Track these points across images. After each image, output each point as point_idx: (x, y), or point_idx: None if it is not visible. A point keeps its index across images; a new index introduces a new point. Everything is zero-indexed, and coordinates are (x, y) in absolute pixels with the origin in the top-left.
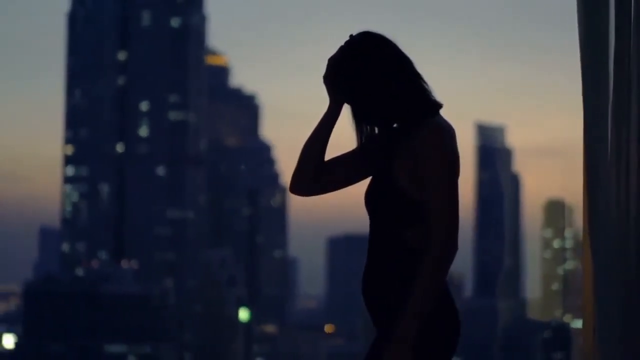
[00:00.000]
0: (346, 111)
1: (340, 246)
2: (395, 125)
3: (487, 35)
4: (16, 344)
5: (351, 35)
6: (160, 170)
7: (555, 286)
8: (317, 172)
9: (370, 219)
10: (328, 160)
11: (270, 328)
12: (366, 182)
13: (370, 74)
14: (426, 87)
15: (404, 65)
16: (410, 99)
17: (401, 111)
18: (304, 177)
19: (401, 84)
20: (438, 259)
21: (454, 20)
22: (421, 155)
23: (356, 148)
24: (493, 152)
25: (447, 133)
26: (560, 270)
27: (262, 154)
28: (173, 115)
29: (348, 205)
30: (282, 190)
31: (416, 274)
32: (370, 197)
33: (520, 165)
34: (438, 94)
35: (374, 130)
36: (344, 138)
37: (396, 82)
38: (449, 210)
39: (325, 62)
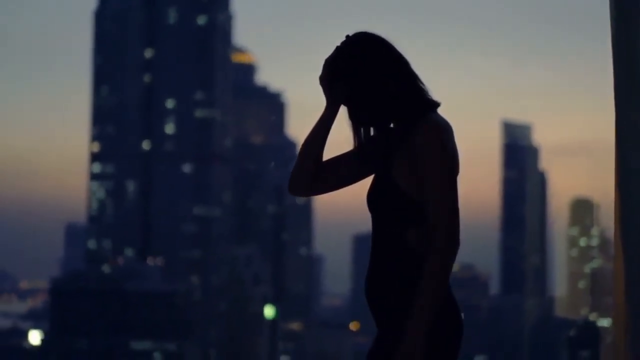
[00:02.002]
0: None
1: (365, 244)
2: (392, 125)
3: (514, 34)
4: (43, 340)
5: (347, 36)
6: (186, 168)
7: (581, 284)
8: (316, 173)
9: (373, 218)
10: (327, 160)
11: (295, 325)
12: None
13: (367, 73)
14: (423, 86)
15: (400, 65)
16: (407, 98)
17: (398, 111)
18: (303, 178)
19: (397, 84)
20: (441, 259)
21: (480, 20)
22: (419, 154)
23: (355, 148)
24: (519, 150)
25: (444, 130)
26: (586, 269)
27: (288, 151)
28: (199, 113)
29: None
30: None
31: (421, 275)
32: (372, 197)
33: (547, 163)
34: (465, 93)
35: (370, 130)
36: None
37: (392, 81)
38: (448, 208)
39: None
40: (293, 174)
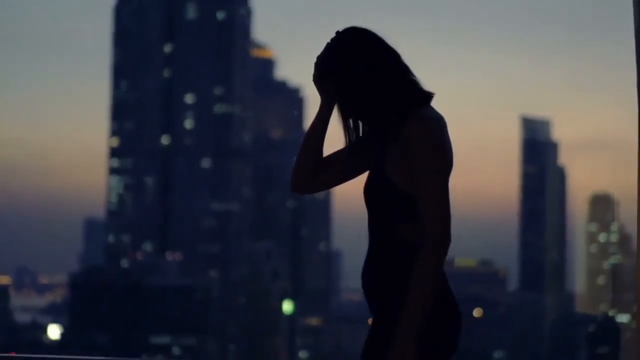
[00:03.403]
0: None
1: None
2: (386, 119)
3: (534, 30)
4: (62, 334)
5: (337, 32)
6: (205, 163)
7: (600, 280)
8: (316, 170)
9: (368, 212)
10: (326, 157)
11: (314, 321)
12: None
13: (357, 69)
14: (414, 79)
15: (391, 58)
16: (399, 92)
17: (390, 105)
18: (303, 176)
19: (388, 77)
20: (433, 255)
21: (499, 16)
22: (411, 149)
23: (347, 144)
24: (539, 145)
25: (436, 125)
26: (605, 265)
27: None
28: (218, 108)
29: None
30: None
31: (413, 270)
32: (366, 192)
33: (566, 158)
34: (484, 88)
35: (359, 125)
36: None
37: (383, 75)
38: (440, 203)
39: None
40: (294, 173)
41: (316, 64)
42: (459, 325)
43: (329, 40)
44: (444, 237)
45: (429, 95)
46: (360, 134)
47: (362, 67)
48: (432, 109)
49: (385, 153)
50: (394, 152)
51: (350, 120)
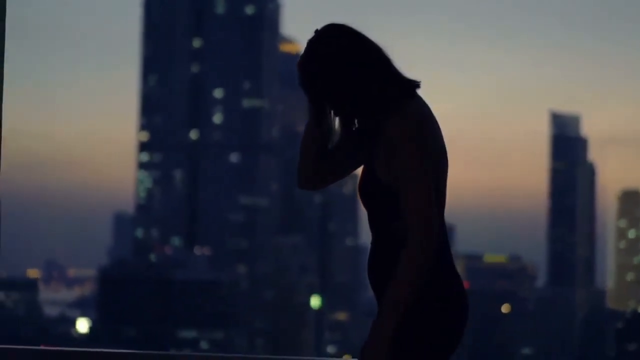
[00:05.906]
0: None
1: None
2: (370, 116)
3: (565, 25)
4: (90, 328)
5: (316, 31)
6: (234, 157)
7: (630, 276)
8: (318, 168)
9: (366, 210)
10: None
11: (341, 315)
12: None
13: (339, 66)
14: (398, 72)
15: (372, 52)
16: (382, 87)
17: (374, 101)
18: (306, 174)
19: (371, 72)
20: (414, 253)
21: (528, 10)
22: (393, 146)
23: (341, 140)
24: (568, 141)
25: (417, 120)
26: (635, 261)
27: None
28: (247, 103)
29: None
30: (354, 177)
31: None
32: (360, 190)
33: (596, 154)
34: (513, 83)
35: (347, 122)
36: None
37: (365, 71)
38: (422, 202)
39: (399, 53)
40: (297, 172)
41: (299, 65)
42: (462, 328)
43: (308, 40)
44: (427, 236)
45: (413, 86)
46: (348, 132)
47: (343, 65)
48: (418, 101)
49: (374, 151)
50: (380, 149)
51: (337, 118)
